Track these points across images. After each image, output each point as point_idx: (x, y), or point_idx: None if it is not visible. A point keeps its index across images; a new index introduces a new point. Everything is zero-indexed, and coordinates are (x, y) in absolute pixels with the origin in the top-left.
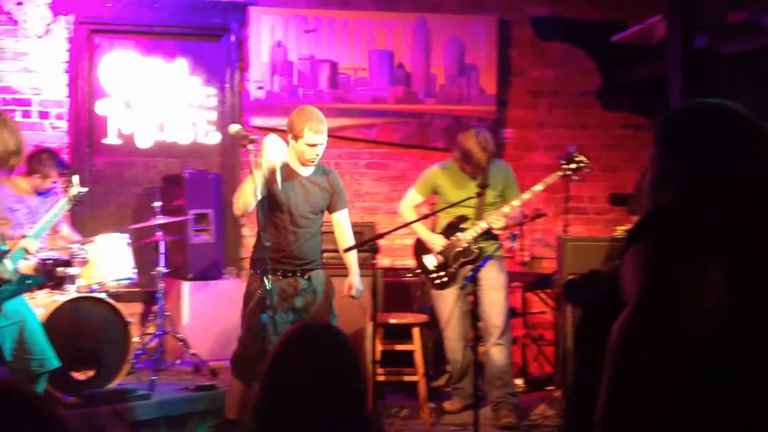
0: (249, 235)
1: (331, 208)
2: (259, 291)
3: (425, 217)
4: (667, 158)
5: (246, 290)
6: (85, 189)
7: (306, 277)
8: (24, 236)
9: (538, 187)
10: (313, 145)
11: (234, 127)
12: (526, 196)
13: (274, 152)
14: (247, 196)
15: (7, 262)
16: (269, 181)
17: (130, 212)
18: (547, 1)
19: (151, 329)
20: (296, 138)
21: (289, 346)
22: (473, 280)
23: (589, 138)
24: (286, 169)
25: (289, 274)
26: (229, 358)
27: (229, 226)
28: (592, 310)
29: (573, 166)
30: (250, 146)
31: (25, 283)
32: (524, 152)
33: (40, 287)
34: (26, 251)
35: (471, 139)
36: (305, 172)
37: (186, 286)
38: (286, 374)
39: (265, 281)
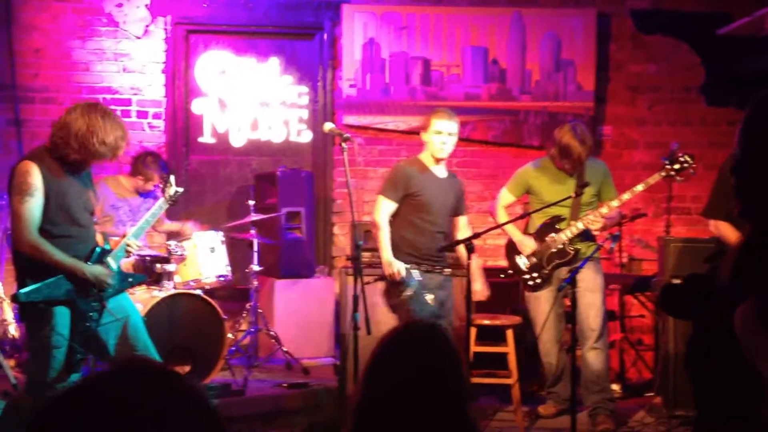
0: (340, 233)
1: (456, 212)
2: (404, 287)
3: (520, 217)
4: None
5: (387, 286)
6: (182, 189)
7: (444, 274)
8: (125, 235)
9: (639, 188)
10: (439, 133)
11: (328, 126)
12: (626, 196)
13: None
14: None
15: (110, 261)
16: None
17: (224, 210)
18: None
19: (244, 326)
20: (426, 130)
21: (391, 346)
22: (571, 282)
23: (693, 135)
24: (426, 171)
25: (431, 269)
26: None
27: (320, 224)
28: (708, 328)
29: (677, 166)
30: (344, 144)
31: (126, 281)
32: (623, 150)
33: (141, 285)
34: (127, 250)
35: (568, 134)
36: (441, 173)
37: (278, 284)
38: (386, 374)
39: (413, 275)
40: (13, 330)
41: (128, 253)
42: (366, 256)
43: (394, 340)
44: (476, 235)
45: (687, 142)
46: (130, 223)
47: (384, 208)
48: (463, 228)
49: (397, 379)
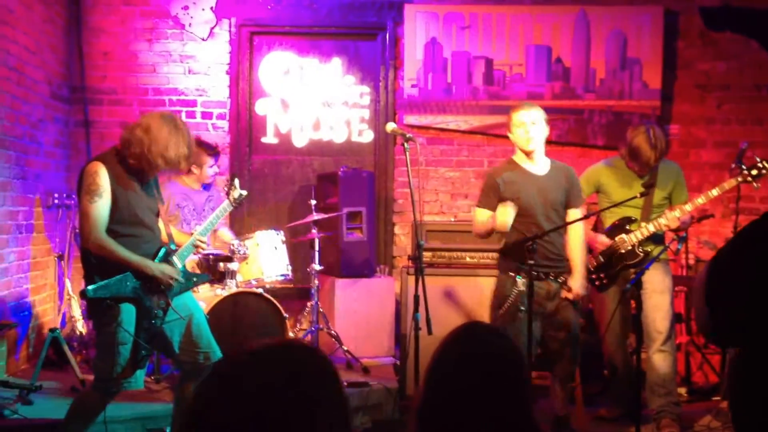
0: (400, 233)
1: (567, 204)
2: (512, 294)
3: (588, 216)
4: None
5: (495, 292)
6: (245, 192)
7: (560, 279)
8: (191, 235)
9: (714, 192)
10: (522, 124)
11: (390, 126)
12: (701, 200)
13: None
14: (488, 223)
15: (176, 260)
16: (502, 190)
17: (286, 210)
18: None
19: (305, 325)
20: (510, 128)
21: (452, 348)
22: (636, 283)
23: (763, 134)
24: (518, 171)
25: (542, 276)
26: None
27: (381, 224)
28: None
29: (755, 172)
30: (407, 144)
31: (191, 281)
32: (690, 149)
33: (204, 284)
34: (196, 245)
35: (641, 136)
36: (539, 170)
37: (338, 284)
38: (448, 377)
39: (518, 282)
40: (81, 326)
41: (197, 250)
42: (426, 255)
43: (456, 342)
44: (542, 234)
45: (757, 142)
46: (194, 222)
47: (480, 218)
48: (575, 227)
49: (459, 383)
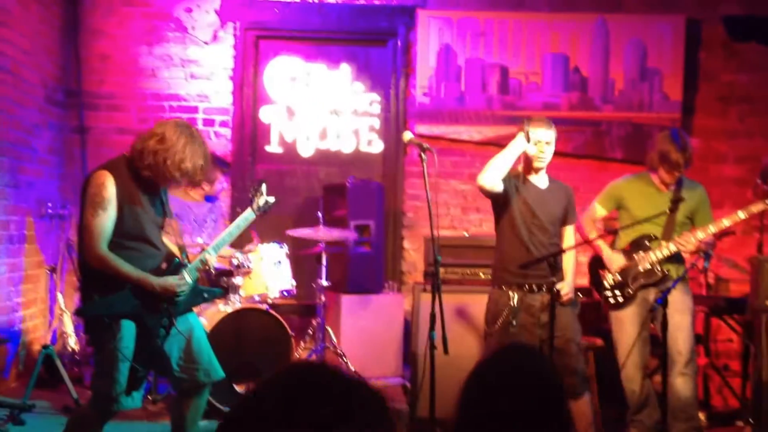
0: (410, 248)
1: (564, 221)
2: (506, 308)
3: (607, 233)
4: None
5: (488, 306)
6: (273, 199)
7: (552, 290)
8: (204, 249)
9: (741, 215)
10: (539, 142)
11: (407, 135)
12: (726, 222)
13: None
14: (501, 167)
15: (186, 274)
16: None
17: (289, 222)
18: (741, 0)
19: (309, 343)
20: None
21: (490, 369)
22: (663, 303)
23: None
24: (523, 179)
25: (535, 289)
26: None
27: (390, 238)
28: None
29: None
30: (424, 155)
31: (201, 297)
32: (711, 164)
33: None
34: (205, 264)
35: (667, 138)
36: (542, 183)
37: (345, 300)
38: (486, 397)
39: (511, 297)
40: (73, 343)
41: (204, 267)
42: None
43: (494, 362)
44: (561, 251)
45: None
46: (195, 234)
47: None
48: (568, 238)
49: (496, 403)
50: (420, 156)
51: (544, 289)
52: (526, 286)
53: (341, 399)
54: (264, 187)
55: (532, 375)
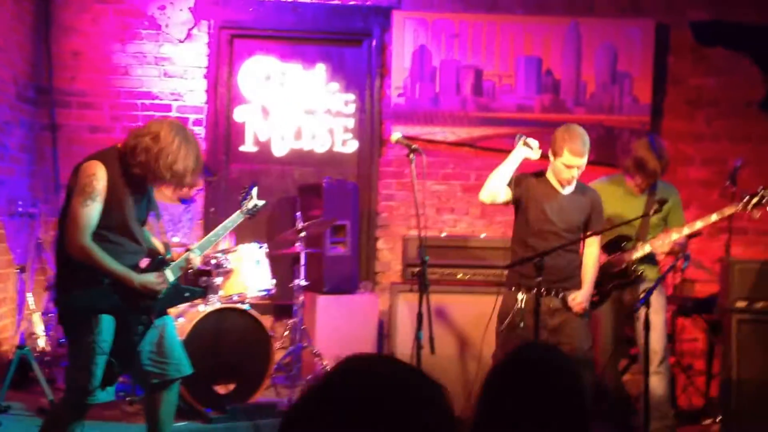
0: (384, 248)
1: (587, 227)
2: (514, 309)
3: (589, 235)
4: None
5: (501, 307)
6: (262, 202)
7: (560, 296)
8: (189, 249)
9: (714, 217)
10: (570, 167)
11: (396, 135)
12: (699, 224)
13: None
14: (497, 182)
15: (168, 272)
16: (523, 195)
17: (263, 222)
18: (709, 5)
19: (285, 342)
20: (555, 155)
21: (509, 369)
22: (645, 303)
23: (753, 152)
24: (544, 184)
25: (544, 293)
26: None
27: (364, 238)
28: None
29: (755, 200)
30: (412, 156)
31: (183, 296)
32: (679, 167)
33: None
34: (188, 263)
35: (644, 146)
36: (565, 189)
37: (320, 300)
38: (504, 399)
39: (519, 298)
40: (43, 344)
41: (188, 266)
42: (417, 272)
43: (511, 363)
44: (545, 253)
45: (746, 159)
46: (170, 232)
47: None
48: (591, 246)
49: (516, 397)
50: (408, 157)
51: (553, 293)
52: (536, 289)
53: (412, 391)
54: (255, 190)
55: (555, 372)
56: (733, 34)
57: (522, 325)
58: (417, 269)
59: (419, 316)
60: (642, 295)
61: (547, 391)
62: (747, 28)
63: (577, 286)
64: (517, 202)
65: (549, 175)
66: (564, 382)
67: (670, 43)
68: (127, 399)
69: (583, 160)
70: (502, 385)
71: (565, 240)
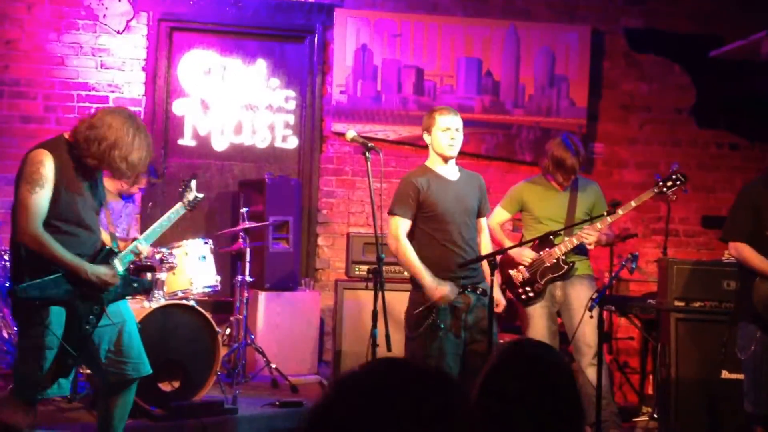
0: (324, 245)
1: (479, 212)
2: (432, 313)
3: (527, 242)
4: None
5: (409, 309)
6: (202, 195)
7: (478, 291)
8: (135, 239)
9: (632, 204)
10: (447, 129)
11: (351, 133)
12: (620, 212)
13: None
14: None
15: (117, 263)
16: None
17: (202, 217)
18: (642, 13)
19: (227, 339)
20: (430, 130)
21: (506, 366)
22: (600, 302)
23: (683, 156)
24: (435, 178)
25: (460, 290)
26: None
27: (305, 235)
28: None
29: (669, 183)
30: (368, 154)
31: (131, 287)
32: (614, 169)
33: (145, 292)
34: (137, 254)
35: (560, 145)
36: (452, 175)
37: (262, 297)
38: (499, 399)
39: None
40: None
41: (137, 257)
42: (362, 269)
43: (507, 356)
44: (498, 252)
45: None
46: (111, 228)
47: (401, 228)
48: (484, 230)
49: (514, 393)
50: (364, 155)
51: (469, 289)
52: (459, 286)
53: (437, 393)
54: (194, 183)
55: (546, 361)
56: (664, 42)
57: (442, 326)
58: (372, 266)
59: (374, 313)
60: (595, 296)
61: (545, 388)
62: (678, 36)
63: (482, 276)
64: (415, 213)
65: (431, 163)
66: (561, 379)
67: (605, 48)
68: (68, 397)
69: (458, 118)
70: (500, 382)
71: (468, 227)
